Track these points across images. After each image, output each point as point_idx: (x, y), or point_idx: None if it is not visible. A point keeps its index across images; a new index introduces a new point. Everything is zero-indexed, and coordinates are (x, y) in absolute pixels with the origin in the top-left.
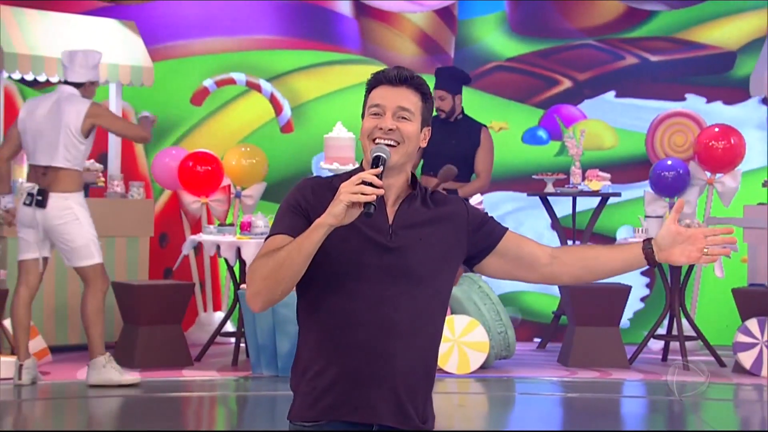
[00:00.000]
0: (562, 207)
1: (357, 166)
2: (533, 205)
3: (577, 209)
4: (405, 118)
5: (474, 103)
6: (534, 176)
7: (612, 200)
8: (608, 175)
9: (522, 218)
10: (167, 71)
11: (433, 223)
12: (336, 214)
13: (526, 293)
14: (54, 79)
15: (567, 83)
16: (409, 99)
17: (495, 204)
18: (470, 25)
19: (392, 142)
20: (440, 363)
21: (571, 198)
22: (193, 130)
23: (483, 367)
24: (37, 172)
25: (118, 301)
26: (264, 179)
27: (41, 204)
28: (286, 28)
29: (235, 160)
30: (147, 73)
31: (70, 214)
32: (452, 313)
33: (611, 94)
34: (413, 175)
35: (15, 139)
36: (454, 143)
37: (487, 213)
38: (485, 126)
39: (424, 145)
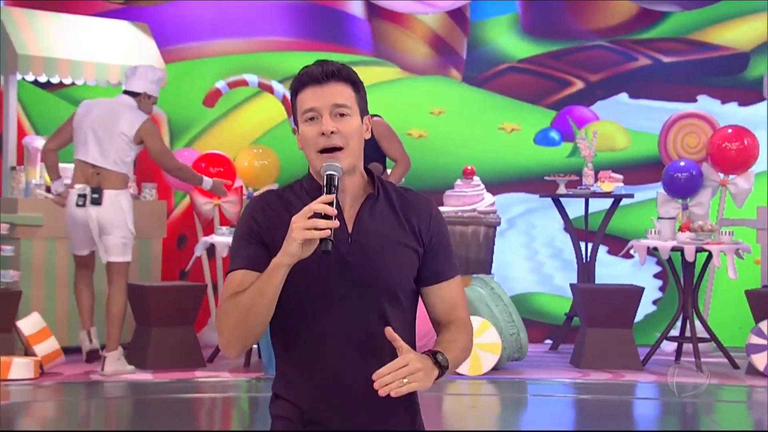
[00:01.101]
0: (575, 208)
1: (306, 175)
2: (545, 206)
3: (590, 211)
4: (344, 114)
5: (486, 104)
6: (546, 178)
7: (624, 201)
8: (621, 177)
9: (534, 220)
10: (180, 73)
11: (398, 225)
12: (291, 253)
13: (539, 294)
14: (67, 81)
15: (579, 84)
16: (342, 93)
17: (507, 206)
18: (482, 26)
19: (338, 146)
20: None
21: (583, 199)
22: (206, 131)
23: (495, 369)
24: (87, 170)
25: (131, 302)
26: (276, 181)
27: (97, 201)
28: (299, 30)
29: (247, 161)
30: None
31: (120, 211)
32: None
33: (624, 95)
34: (369, 172)
35: (66, 134)
36: None
37: (449, 239)
38: (374, 115)
39: (368, 136)
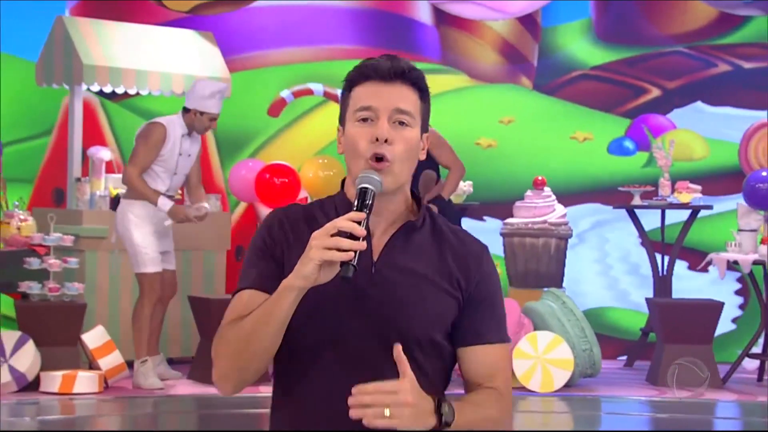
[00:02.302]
0: (650, 220)
1: (339, 191)
2: (619, 218)
3: (666, 223)
4: (404, 123)
5: (558, 112)
6: (620, 188)
7: (703, 213)
8: (699, 187)
9: (607, 233)
10: (244, 82)
11: (436, 264)
12: (306, 275)
13: (612, 309)
14: (132, 91)
15: (655, 92)
16: (407, 98)
17: (578, 217)
18: (554, 32)
19: (387, 157)
20: (523, 381)
21: (659, 211)
22: (270, 141)
23: (567, 386)
24: None
25: (194, 315)
26: None
27: (113, 208)
28: (365, 37)
29: (312, 171)
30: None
31: (125, 221)
32: (535, 329)
33: (702, 102)
34: (416, 196)
35: None
36: None
37: (498, 298)
38: None
39: (423, 157)
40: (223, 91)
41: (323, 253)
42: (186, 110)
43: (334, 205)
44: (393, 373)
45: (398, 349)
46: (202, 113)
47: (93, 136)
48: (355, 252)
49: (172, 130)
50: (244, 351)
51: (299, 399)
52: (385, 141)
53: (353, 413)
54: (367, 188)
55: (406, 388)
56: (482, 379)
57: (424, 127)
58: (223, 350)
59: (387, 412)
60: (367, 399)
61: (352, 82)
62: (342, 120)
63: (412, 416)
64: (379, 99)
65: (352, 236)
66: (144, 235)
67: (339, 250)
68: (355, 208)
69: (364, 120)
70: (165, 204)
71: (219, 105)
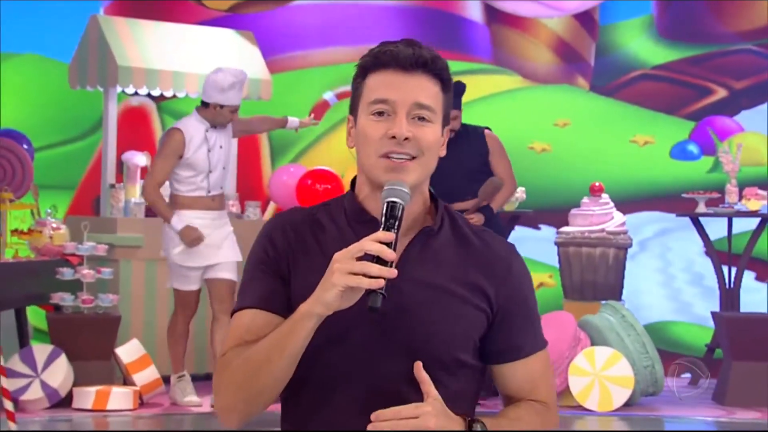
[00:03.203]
0: (716, 229)
1: (348, 193)
2: (683, 226)
3: (734, 232)
4: (424, 119)
5: (616, 114)
6: (684, 195)
7: None
8: None
9: (670, 242)
10: (286, 83)
11: (459, 274)
12: (328, 302)
13: (675, 323)
14: (168, 93)
15: (722, 92)
16: (428, 91)
17: (639, 226)
18: (613, 30)
19: (405, 157)
20: (580, 399)
21: (726, 219)
22: (312, 146)
23: (627, 405)
24: None
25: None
26: None
27: (149, 214)
28: (412, 36)
29: None
30: (265, 86)
31: (164, 234)
32: (592, 344)
33: None
34: (434, 196)
35: None
36: (459, 157)
37: (533, 302)
38: (487, 128)
39: (443, 153)
40: (243, 79)
41: (348, 278)
42: (205, 105)
43: (343, 209)
44: (417, 398)
45: (419, 367)
46: (222, 106)
47: (146, 142)
48: (385, 280)
49: (192, 131)
50: (253, 382)
51: (311, 428)
52: (405, 139)
53: None
54: (395, 203)
55: (429, 411)
56: (523, 394)
57: (445, 121)
58: (227, 380)
59: None
60: (386, 426)
61: (366, 68)
62: (353, 109)
63: None
64: (397, 91)
65: (380, 260)
66: (179, 251)
67: (366, 276)
68: (382, 227)
69: (380, 114)
70: (177, 223)
71: (239, 95)
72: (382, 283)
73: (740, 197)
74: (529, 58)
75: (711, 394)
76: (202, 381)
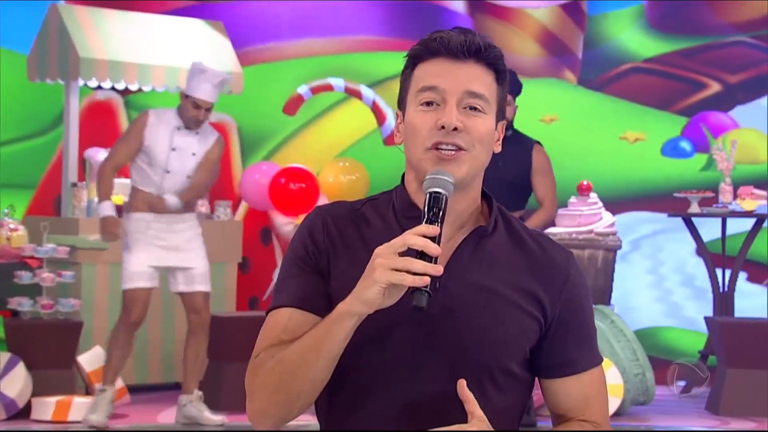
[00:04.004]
0: (710, 230)
1: (398, 186)
2: (675, 227)
3: (728, 233)
4: (477, 109)
5: (606, 110)
6: (676, 194)
7: None
8: (764, 193)
9: (661, 243)
10: (258, 77)
11: (514, 279)
12: (369, 300)
13: (667, 329)
14: (133, 87)
15: (716, 87)
16: (481, 80)
17: (630, 226)
18: (602, 21)
19: (454, 148)
20: None
21: (720, 219)
22: (286, 142)
23: (617, 414)
24: None
25: None
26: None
27: (118, 215)
28: (391, 28)
29: (332, 176)
30: (236, 79)
31: (125, 231)
32: None
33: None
34: (487, 196)
35: None
36: (500, 164)
37: (589, 314)
38: (538, 142)
39: (498, 149)
40: (224, 80)
41: (391, 275)
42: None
43: (392, 204)
44: (458, 406)
45: (462, 386)
46: (187, 96)
47: (111, 138)
48: (431, 277)
49: (161, 119)
50: (289, 385)
51: (337, 409)
52: (454, 129)
53: None
54: (439, 193)
55: None
56: (575, 412)
57: (500, 115)
58: (262, 382)
59: None
60: None
61: (415, 58)
62: (401, 103)
63: None
64: (447, 79)
65: (424, 255)
66: (133, 248)
67: (409, 272)
68: (424, 220)
69: (429, 104)
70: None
71: (210, 92)
72: (427, 280)
73: (735, 197)
74: (514, 51)
75: (704, 403)
76: (170, 390)
